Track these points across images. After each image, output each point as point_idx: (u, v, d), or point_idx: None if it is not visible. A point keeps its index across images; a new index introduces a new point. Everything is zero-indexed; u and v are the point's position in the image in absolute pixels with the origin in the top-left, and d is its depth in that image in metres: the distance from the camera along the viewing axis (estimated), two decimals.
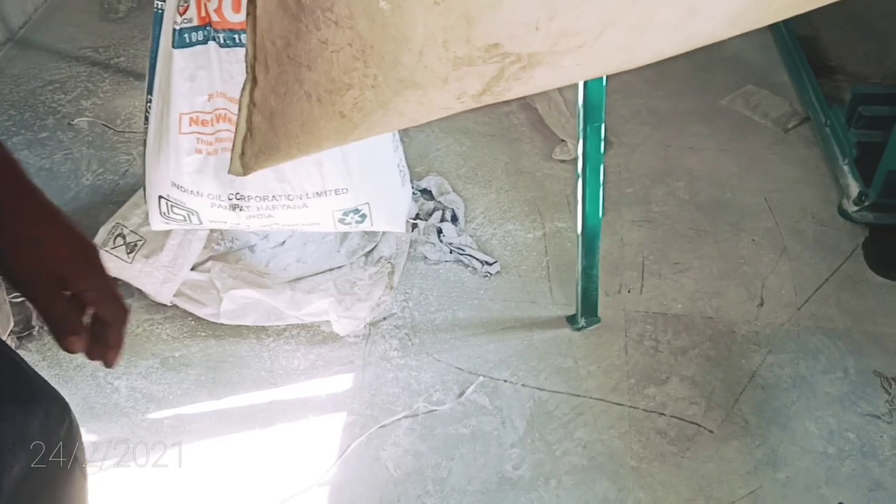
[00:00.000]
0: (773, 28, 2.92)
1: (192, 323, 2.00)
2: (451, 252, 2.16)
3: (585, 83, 1.60)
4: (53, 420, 0.84)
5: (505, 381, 1.89)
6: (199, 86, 1.60)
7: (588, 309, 1.97)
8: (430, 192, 2.32)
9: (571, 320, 2.00)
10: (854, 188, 2.24)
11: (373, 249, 2.13)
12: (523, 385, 1.88)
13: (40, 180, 2.38)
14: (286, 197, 1.71)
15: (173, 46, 1.56)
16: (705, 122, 2.60)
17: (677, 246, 2.19)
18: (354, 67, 0.67)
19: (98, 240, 2.00)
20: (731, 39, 3.19)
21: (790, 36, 2.82)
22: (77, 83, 2.78)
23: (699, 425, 1.79)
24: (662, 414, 1.82)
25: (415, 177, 2.34)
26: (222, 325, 1.98)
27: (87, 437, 1.77)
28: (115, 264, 1.96)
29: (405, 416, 1.82)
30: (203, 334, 1.99)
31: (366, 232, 2.12)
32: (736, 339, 1.96)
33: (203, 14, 1.54)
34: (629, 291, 2.08)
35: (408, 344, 1.97)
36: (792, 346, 1.94)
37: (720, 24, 0.74)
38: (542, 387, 1.87)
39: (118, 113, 2.65)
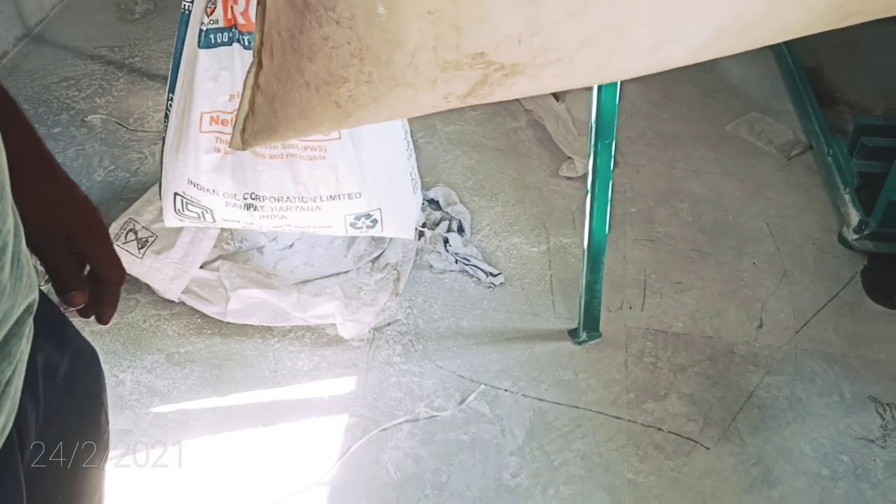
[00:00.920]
0: (778, 58, 2.98)
1: (199, 320, 2.02)
2: (456, 262, 2.19)
3: (599, 101, 1.64)
4: (82, 364, 0.87)
5: (506, 390, 1.91)
6: (221, 86, 1.63)
7: (590, 323, 1.99)
8: (437, 202, 2.35)
9: (573, 334, 2.02)
10: (854, 217, 2.28)
11: (379, 256, 2.16)
12: (524, 395, 1.90)
13: None
14: (300, 199, 1.74)
15: (199, 46, 1.59)
16: (710, 146, 2.64)
17: (679, 266, 2.23)
18: (351, 63, 0.74)
19: (110, 235, 2.02)
20: (736, 67, 3.24)
21: (795, 66, 2.87)
22: (92, 81, 2.81)
23: (696, 442, 1.82)
24: (660, 429, 1.84)
25: (423, 187, 2.37)
26: (228, 323, 2.00)
27: None
28: (125, 259, 1.98)
29: (406, 421, 1.84)
30: (209, 332, 2.01)
31: (373, 238, 2.15)
32: (735, 360, 1.99)
33: (229, 16, 1.57)
34: (631, 308, 2.11)
35: (411, 350, 1.99)
36: (789, 368, 1.97)
37: (691, 49, 0.81)
38: (543, 397, 1.90)
39: (131, 111, 2.68)
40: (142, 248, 1.97)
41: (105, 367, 1.90)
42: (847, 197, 2.34)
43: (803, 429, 1.84)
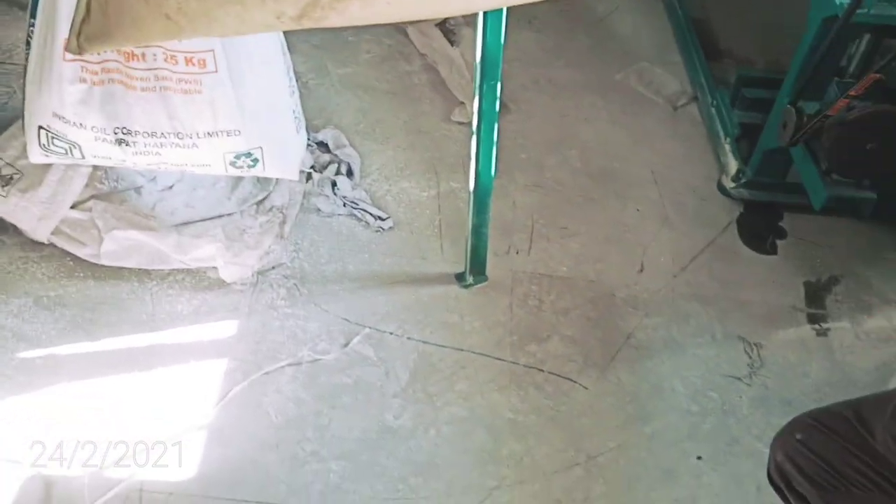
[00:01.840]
0: (669, 9, 3.03)
1: (71, 263, 1.93)
2: (344, 205, 2.16)
3: (483, 42, 1.62)
4: None
5: (391, 333, 1.91)
6: None
7: (476, 267, 2.00)
8: (326, 144, 2.30)
9: (460, 277, 2.03)
10: (733, 166, 2.36)
11: (265, 198, 2.10)
12: (408, 338, 1.90)
13: None
14: (175, 135, 1.66)
15: None
16: (600, 94, 2.67)
17: (566, 212, 2.26)
18: None
19: None
20: (629, 17, 3.26)
21: (685, 18, 2.92)
22: None
23: (575, 382, 1.86)
24: (541, 370, 1.88)
25: (312, 129, 2.32)
26: (103, 266, 1.92)
27: None
28: None
29: (289, 364, 1.82)
30: (81, 275, 1.92)
31: (258, 180, 2.08)
32: (615, 302, 2.05)
33: None
34: (517, 253, 2.14)
35: (296, 294, 1.96)
36: (667, 310, 2.04)
37: None
38: (428, 340, 1.90)
39: (0, 43, 2.50)
40: (5, 185, 1.86)
41: None
42: (727, 146, 2.42)
43: (676, 368, 1.92)
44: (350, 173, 2.24)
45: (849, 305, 2.11)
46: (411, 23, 2.73)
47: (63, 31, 1.54)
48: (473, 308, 1.99)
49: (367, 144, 2.38)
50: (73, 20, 0.80)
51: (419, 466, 1.68)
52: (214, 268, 1.94)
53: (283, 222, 2.07)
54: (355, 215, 2.15)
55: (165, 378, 1.77)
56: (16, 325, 1.81)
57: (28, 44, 1.61)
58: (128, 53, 1.56)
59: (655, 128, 2.57)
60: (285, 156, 1.84)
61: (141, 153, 1.70)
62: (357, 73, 2.62)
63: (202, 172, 1.81)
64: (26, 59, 1.63)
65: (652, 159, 2.45)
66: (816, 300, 2.11)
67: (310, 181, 2.18)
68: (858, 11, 1.82)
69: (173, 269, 1.95)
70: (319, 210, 2.15)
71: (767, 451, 1.34)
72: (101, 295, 1.89)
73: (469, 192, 1.87)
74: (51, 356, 1.77)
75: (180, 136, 1.67)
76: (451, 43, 2.65)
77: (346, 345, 1.87)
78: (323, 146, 2.31)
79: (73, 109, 1.61)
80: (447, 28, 2.71)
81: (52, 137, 1.68)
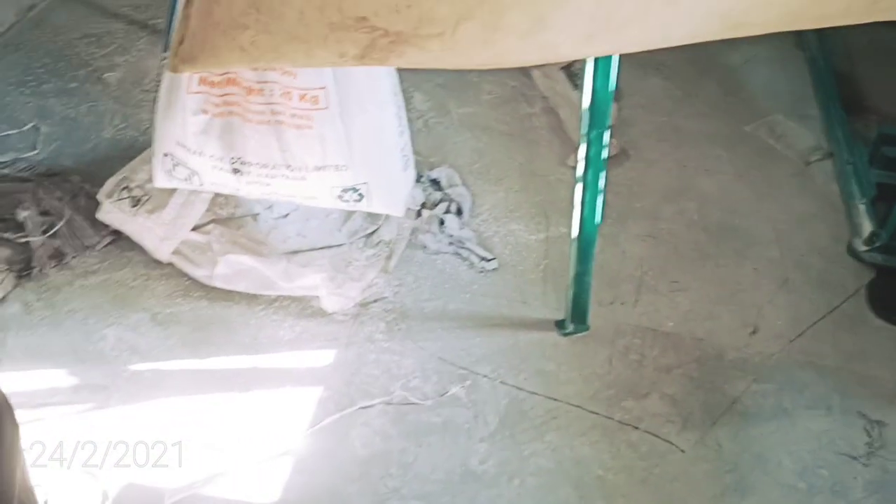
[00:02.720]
0: (811, 62, 2.88)
1: (187, 283, 2.03)
2: (450, 244, 2.17)
3: (593, 90, 1.60)
4: None
5: (485, 376, 1.89)
6: None
7: (577, 315, 1.96)
8: (438, 182, 2.33)
9: (560, 325, 1.99)
10: (867, 228, 2.21)
11: (374, 232, 2.14)
12: (502, 382, 1.88)
13: (63, 129, 2.44)
14: (286, 167, 1.73)
15: None
16: (726, 146, 2.57)
17: (678, 265, 2.18)
18: (249, 12, 0.80)
19: (104, 191, 2.04)
20: (764, 68, 3.12)
21: (826, 70, 2.78)
22: (113, 39, 2.84)
23: (672, 443, 1.78)
24: (637, 428, 1.80)
25: (427, 167, 2.35)
26: (216, 288, 2.01)
27: (68, 380, 1.82)
28: (117, 217, 2.00)
29: (381, 400, 1.83)
30: (196, 295, 2.02)
31: (369, 214, 2.13)
32: (723, 364, 1.94)
33: None
34: (623, 304, 2.07)
35: (394, 329, 1.98)
36: (779, 377, 1.92)
37: (577, 39, 0.84)
38: (521, 386, 1.87)
39: (148, 72, 2.70)
40: (134, 206, 1.98)
41: (90, 321, 1.93)
42: (862, 207, 2.26)
43: (785, 440, 1.79)
44: (459, 212, 2.25)
45: None
46: (537, 66, 2.74)
47: None
48: (571, 357, 1.94)
49: (479, 184, 2.38)
50: (173, 42, 0.88)
51: None
52: (318, 297, 1.99)
53: (389, 257, 2.10)
54: (460, 254, 2.16)
55: (261, 401, 1.82)
56: (132, 338, 1.92)
57: (159, 76, 1.72)
58: (248, 88, 1.65)
59: (783, 184, 2.45)
60: (391, 192, 1.88)
61: (253, 183, 1.77)
62: (477, 114, 2.65)
63: (309, 204, 1.87)
64: (157, 91, 1.75)
65: (776, 216, 2.33)
66: None
67: (419, 218, 2.21)
68: None
69: (280, 296, 2.02)
70: (426, 247, 2.17)
71: None
72: (212, 316, 1.98)
73: (572, 239, 1.83)
74: (158, 371, 1.86)
75: (291, 168, 1.74)
76: (575, 86, 2.64)
77: (439, 385, 1.86)
78: (435, 184, 2.33)
79: (194, 139, 1.71)
80: (572, 72, 2.69)
81: (176, 164, 1.78)
